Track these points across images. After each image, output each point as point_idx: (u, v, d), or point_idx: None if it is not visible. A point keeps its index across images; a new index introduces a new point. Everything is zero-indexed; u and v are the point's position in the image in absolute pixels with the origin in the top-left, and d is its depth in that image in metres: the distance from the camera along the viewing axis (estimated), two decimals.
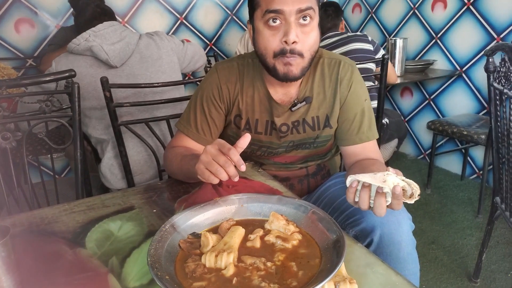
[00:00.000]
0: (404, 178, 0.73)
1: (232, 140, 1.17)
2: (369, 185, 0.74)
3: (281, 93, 1.07)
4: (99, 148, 1.67)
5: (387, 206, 0.73)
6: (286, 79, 0.98)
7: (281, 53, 0.94)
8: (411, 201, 0.72)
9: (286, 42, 0.92)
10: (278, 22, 0.93)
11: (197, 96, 1.11)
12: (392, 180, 0.71)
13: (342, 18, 2.53)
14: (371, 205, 0.75)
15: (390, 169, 0.74)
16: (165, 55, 1.67)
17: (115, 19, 1.69)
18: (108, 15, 1.67)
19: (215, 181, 0.77)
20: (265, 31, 0.95)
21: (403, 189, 0.72)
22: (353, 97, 1.07)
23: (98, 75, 1.51)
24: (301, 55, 0.95)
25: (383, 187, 0.71)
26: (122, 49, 1.55)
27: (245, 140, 0.77)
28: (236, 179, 0.76)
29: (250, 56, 1.10)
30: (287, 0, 0.90)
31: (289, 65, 0.95)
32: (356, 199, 0.76)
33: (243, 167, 0.75)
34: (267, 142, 1.12)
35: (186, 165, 0.94)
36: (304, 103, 1.06)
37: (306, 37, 0.94)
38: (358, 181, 0.75)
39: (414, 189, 0.72)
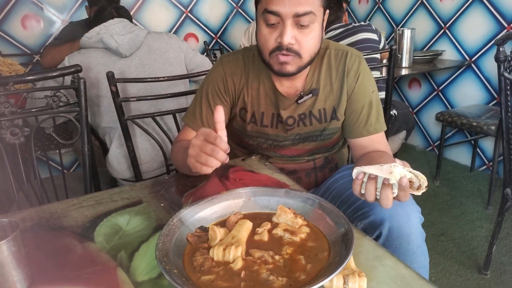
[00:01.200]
0: (411, 169, 0.72)
1: (238, 134, 1.17)
2: (376, 177, 0.73)
3: (287, 86, 1.06)
4: (107, 138, 1.69)
5: (394, 198, 0.73)
6: (281, 74, 0.99)
7: (277, 49, 0.94)
8: (419, 193, 0.71)
9: (281, 42, 0.92)
10: (275, 22, 0.92)
11: (202, 89, 1.10)
12: (399, 171, 0.70)
13: (345, 10, 2.49)
14: (378, 197, 0.74)
15: (397, 160, 0.73)
16: (172, 50, 1.71)
17: (131, 21, 1.75)
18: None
19: (209, 170, 0.78)
20: (263, 28, 0.95)
21: (410, 181, 0.71)
22: (361, 89, 1.06)
23: (108, 63, 1.58)
24: (298, 54, 0.94)
25: (389, 179, 0.70)
26: (131, 39, 1.60)
27: (219, 112, 0.76)
28: (227, 161, 0.76)
29: (255, 49, 1.08)
30: (285, 2, 0.89)
31: (285, 63, 0.95)
32: (363, 191, 0.75)
33: (227, 160, 0.76)
34: (273, 135, 1.11)
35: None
36: (310, 95, 1.05)
37: (304, 39, 0.93)
38: (364, 173, 0.74)
39: (422, 180, 0.71)
